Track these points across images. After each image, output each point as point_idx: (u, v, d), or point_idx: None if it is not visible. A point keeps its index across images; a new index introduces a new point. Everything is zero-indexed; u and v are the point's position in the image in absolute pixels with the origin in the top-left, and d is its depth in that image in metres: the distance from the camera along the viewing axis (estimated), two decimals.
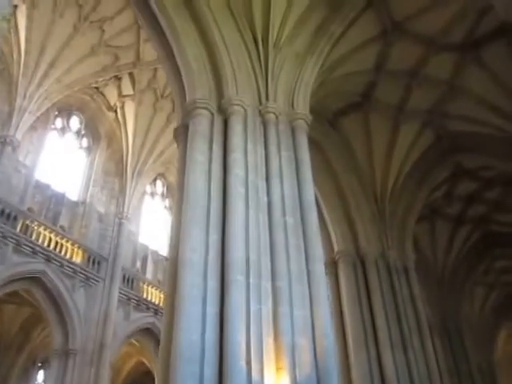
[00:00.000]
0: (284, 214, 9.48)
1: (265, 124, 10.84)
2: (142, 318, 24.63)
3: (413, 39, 14.43)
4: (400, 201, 17.15)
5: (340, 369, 14.14)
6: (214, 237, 8.77)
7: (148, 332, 24.85)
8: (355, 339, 14.27)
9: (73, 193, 25.23)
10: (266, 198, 9.61)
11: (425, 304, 20.51)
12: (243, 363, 7.47)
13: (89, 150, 27.00)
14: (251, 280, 8.35)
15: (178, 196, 9.80)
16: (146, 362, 26.46)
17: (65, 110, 26.14)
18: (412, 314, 15.13)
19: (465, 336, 21.80)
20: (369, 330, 14.39)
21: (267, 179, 9.91)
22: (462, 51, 14.80)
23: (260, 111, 11.00)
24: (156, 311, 24.95)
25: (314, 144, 15.39)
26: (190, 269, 8.26)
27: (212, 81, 11.25)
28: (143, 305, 24.76)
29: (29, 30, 21.11)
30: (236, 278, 8.23)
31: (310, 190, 10.21)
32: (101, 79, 24.87)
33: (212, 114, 10.59)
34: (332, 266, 15.92)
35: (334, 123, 16.41)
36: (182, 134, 10.68)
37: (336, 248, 16.06)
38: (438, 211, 20.91)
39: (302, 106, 11.61)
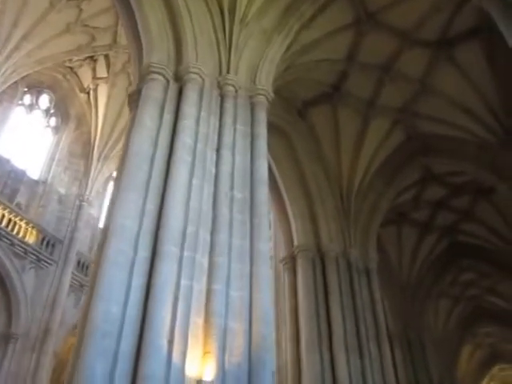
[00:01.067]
0: (232, 188, 8.68)
1: (222, 96, 10.05)
2: None
3: (387, 31, 13.69)
4: (366, 199, 16.39)
5: (291, 370, 13.36)
6: (152, 205, 7.89)
7: None
8: (308, 339, 13.36)
9: (34, 171, 24.00)
10: (214, 170, 8.78)
11: (387, 311, 19.90)
12: (164, 342, 6.58)
13: (56, 129, 25.74)
14: (186, 253, 7.47)
15: (120, 163, 8.88)
16: None
17: (35, 87, 24.95)
18: (371, 318, 14.29)
19: (427, 348, 21.04)
20: (324, 330, 13.50)
21: (218, 151, 9.10)
22: (435, 48, 14.14)
23: (219, 83, 10.20)
24: None
25: (280, 132, 14.78)
26: (119, 235, 7.35)
27: (172, 46, 10.43)
28: None
29: (3, 1, 20.02)
30: (169, 248, 7.35)
31: (263, 166, 9.41)
32: (75, 59, 23.69)
33: (167, 81, 9.75)
34: (291, 261, 15.06)
35: (303, 113, 15.61)
36: (135, 101, 9.76)
37: (296, 242, 15.19)
38: (406, 216, 20.18)
39: (265, 83, 10.81)
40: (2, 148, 22.67)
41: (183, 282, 7.18)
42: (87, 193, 24.87)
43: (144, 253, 7.33)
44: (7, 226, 20.38)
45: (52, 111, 25.78)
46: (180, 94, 9.55)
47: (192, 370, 6.55)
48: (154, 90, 9.37)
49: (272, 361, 7.22)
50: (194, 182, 8.29)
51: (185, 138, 8.66)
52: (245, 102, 10.18)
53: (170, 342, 6.60)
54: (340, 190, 16.18)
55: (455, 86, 14.70)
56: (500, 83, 14.29)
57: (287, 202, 15.70)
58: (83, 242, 24.36)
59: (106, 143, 25.45)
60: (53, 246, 22.40)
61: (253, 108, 10.23)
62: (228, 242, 7.97)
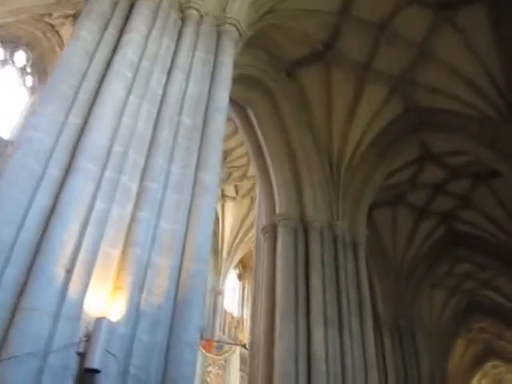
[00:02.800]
0: (181, 114, 7.08)
1: (183, 20, 8.34)
2: None
3: None
4: (358, 171, 14.61)
5: (263, 342, 11.70)
6: (78, 119, 6.21)
7: None
8: (284, 310, 11.70)
9: (4, 131, 21.81)
10: (160, 91, 7.13)
11: (378, 296, 18.13)
12: (61, 271, 4.91)
13: (33, 89, 22.92)
14: (108, 173, 5.83)
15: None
16: None
17: (10, 42, 22.03)
18: (354, 293, 12.61)
19: (418, 337, 19.19)
20: (301, 302, 11.86)
21: (169, 73, 7.40)
22: (436, 9, 12.40)
23: (181, 5, 8.47)
24: None
25: (264, 90, 13.32)
26: (25, 148, 5.70)
27: None
28: None
29: None
30: (85, 165, 5.72)
31: (223, 95, 7.78)
32: (55, 15, 21.99)
33: None
34: (272, 230, 13.35)
35: (292, 73, 13.80)
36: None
37: (278, 211, 13.49)
38: (402, 198, 18.32)
39: (236, 14, 9.06)
40: None
41: (99, 204, 5.54)
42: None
43: (55, 171, 5.67)
44: None
45: (29, 70, 22.96)
46: (131, 11, 7.85)
47: (93, 306, 4.88)
48: (100, 4, 7.68)
49: (200, 303, 5.51)
50: (132, 99, 6.65)
51: (127, 52, 6.98)
52: (210, 29, 8.47)
53: (69, 272, 4.95)
54: (329, 160, 14.41)
55: (457, 55, 12.93)
56: (505, 55, 12.69)
57: (271, 169, 14.01)
58: None
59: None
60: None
61: (219, 37, 8.53)
62: (166, 169, 6.37)
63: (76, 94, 6.42)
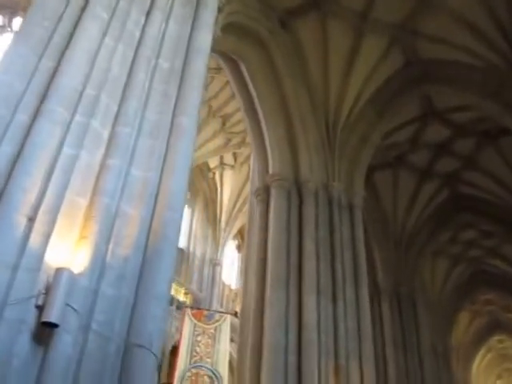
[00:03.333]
0: (158, 56, 6.89)
1: None
2: None
3: None
4: (355, 129, 14.42)
5: (253, 310, 11.65)
6: (50, 64, 5.98)
7: None
8: (274, 276, 11.63)
9: None
10: (138, 33, 6.90)
11: (377, 264, 18.16)
12: (22, 218, 4.77)
13: None
14: (78, 117, 5.66)
15: None
16: None
17: (8, 8, 22.77)
18: (350, 258, 12.53)
19: (418, 307, 19.20)
20: (293, 267, 11.78)
21: (148, 14, 7.14)
22: None
23: None
24: None
25: (256, 40, 13.11)
26: None
27: None
28: None
29: None
30: (54, 108, 5.52)
31: (205, 37, 7.59)
32: None
33: None
34: (264, 192, 13.21)
35: (286, 24, 13.42)
36: None
37: (271, 171, 13.33)
38: (403, 159, 18.15)
39: None
40: None
41: (66, 150, 5.37)
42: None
43: (24, 116, 5.47)
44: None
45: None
46: None
47: (56, 257, 4.74)
48: None
49: (172, 254, 5.38)
50: (107, 41, 6.43)
51: None
52: None
53: (31, 221, 4.80)
54: (326, 117, 14.21)
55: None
56: None
57: (264, 128, 13.78)
58: None
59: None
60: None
61: None
62: (141, 114, 6.20)
63: (50, 36, 6.21)
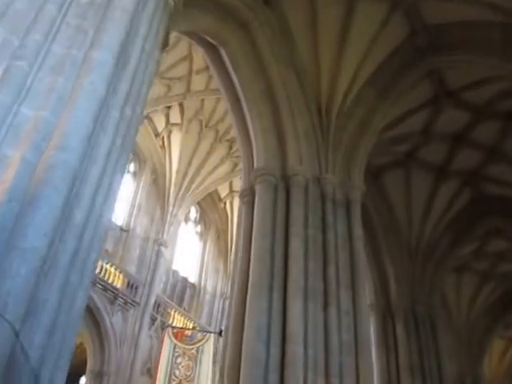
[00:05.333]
0: None
1: None
2: None
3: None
4: (353, 115, 13.59)
5: (234, 318, 10.79)
6: None
7: None
8: (256, 282, 10.67)
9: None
10: None
11: (390, 278, 17.09)
12: None
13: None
14: None
15: None
16: None
17: None
18: (346, 261, 11.56)
19: (439, 329, 17.97)
20: (278, 271, 10.83)
21: None
22: None
23: None
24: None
25: (239, 23, 12.43)
26: None
27: None
28: None
29: None
30: None
31: None
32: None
33: None
34: (250, 193, 12.37)
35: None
36: None
37: (256, 165, 12.51)
38: (414, 156, 17.20)
39: None
40: None
41: None
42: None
43: None
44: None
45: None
46: None
47: None
48: None
49: (55, 202, 4.52)
50: None
51: None
52: None
53: None
54: (317, 102, 13.44)
55: None
56: None
57: (249, 119, 13.01)
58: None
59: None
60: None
61: None
62: (46, 48, 5.46)
63: None
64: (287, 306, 10.33)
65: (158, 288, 26.21)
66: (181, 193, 28.18)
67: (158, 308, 25.78)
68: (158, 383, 11.99)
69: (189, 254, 30.56)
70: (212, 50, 13.03)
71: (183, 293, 28.53)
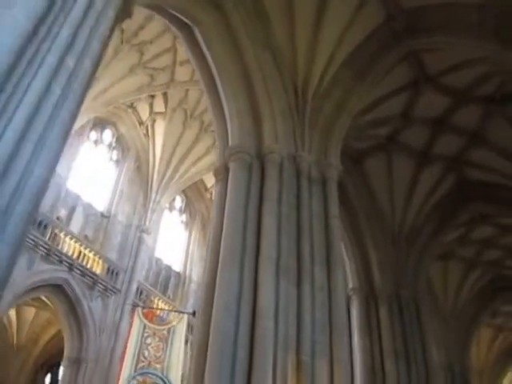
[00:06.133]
0: None
1: None
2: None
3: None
4: (330, 96, 13.19)
5: (204, 296, 10.38)
6: None
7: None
8: (227, 257, 10.23)
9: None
10: None
11: (374, 265, 16.71)
12: None
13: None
14: None
15: None
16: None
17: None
18: (321, 239, 11.12)
19: (424, 314, 17.38)
20: (250, 246, 10.39)
21: None
22: None
23: None
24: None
25: (214, 6, 11.84)
26: None
27: None
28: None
29: None
30: None
31: None
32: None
33: None
34: (224, 171, 11.96)
35: None
36: None
37: (230, 143, 12.13)
38: (395, 140, 16.76)
39: None
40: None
41: None
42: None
43: None
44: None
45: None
46: None
47: None
48: None
49: None
50: None
51: None
52: None
53: None
54: (294, 83, 13.05)
55: None
56: None
57: (224, 98, 12.63)
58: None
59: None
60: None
61: None
62: None
63: None
64: (258, 281, 9.91)
65: (140, 275, 26.01)
66: (164, 180, 28.06)
67: (140, 295, 25.59)
68: (126, 364, 11.52)
69: (173, 242, 30.52)
70: (186, 29, 12.67)
71: (167, 281, 28.51)
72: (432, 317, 20.81)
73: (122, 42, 22.81)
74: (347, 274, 17.04)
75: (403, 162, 17.09)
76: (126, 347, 12.41)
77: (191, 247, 30.78)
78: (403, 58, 13.95)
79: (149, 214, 27.43)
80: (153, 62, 23.79)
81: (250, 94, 12.64)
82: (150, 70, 24.13)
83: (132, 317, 12.56)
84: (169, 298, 27.50)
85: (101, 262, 24.05)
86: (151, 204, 27.59)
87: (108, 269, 24.48)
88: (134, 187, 27.99)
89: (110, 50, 21.70)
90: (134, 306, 19.81)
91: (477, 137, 16.32)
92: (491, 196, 17.94)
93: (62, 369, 23.26)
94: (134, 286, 24.91)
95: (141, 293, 25.64)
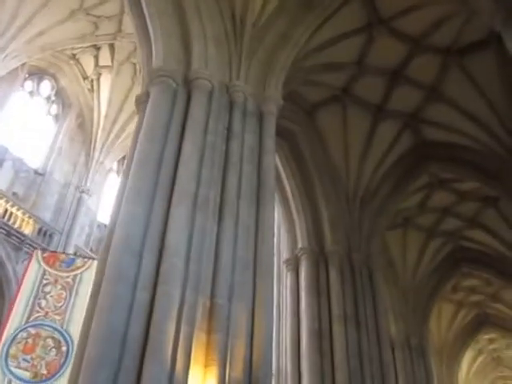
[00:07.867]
0: None
1: None
2: None
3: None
4: (273, 25, 11.36)
5: (108, 231, 8.46)
6: None
7: None
8: (133, 186, 8.44)
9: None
10: None
11: (325, 224, 14.91)
12: None
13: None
14: None
15: None
16: None
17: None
18: (251, 173, 9.37)
19: (377, 278, 15.56)
20: (164, 177, 8.61)
21: None
22: None
23: None
24: None
25: None
26: None
27: None
28: None
29: None
30: None
31: None
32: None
33: None
34: (146, 100, 9.94)
35: None
36: None
37: (154, 65, 10.14)
38: (350, 91, 14.79)
39: None
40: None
41: None
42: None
43: None
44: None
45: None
46: None
47: None
48: None
49: None
50: None
51: None
52: None
53: None
54: (232, 10, 11.22)
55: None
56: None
57: (148, 16, 10.64)
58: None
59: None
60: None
61: None
62: None
63: None
64: (170, 213, 8.00)
65: (79, 239, 23.61)
66: (109, 139, 25.49)
67: None
68: (15, 313, 9.47)
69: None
70: None
71: None
72: (390, 287, 19.18)
73: None
74: (296, 234, 15.27)
75: (359, 117, 15.14)
76: (16, 294, 10.36)
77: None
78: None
79: (91, 175, 24.88)
80: (96, 8, 20.99)
81: (177, 14, 10.71)
82: (92, 17, 21.36)
83: (28, 262, 10.49)
84: None
85: (31, 221, 21.42)
86: (94, 164, 24.99)
87: (40, 230, 21.91)
88: (74, 145, 25.16)
89: None
90: (34, 248, 17.51)
91: (434, 91, 14.46)
92: (450, 157, 16.06)
93: None
94: (71, 250, 21.77)
95: None
